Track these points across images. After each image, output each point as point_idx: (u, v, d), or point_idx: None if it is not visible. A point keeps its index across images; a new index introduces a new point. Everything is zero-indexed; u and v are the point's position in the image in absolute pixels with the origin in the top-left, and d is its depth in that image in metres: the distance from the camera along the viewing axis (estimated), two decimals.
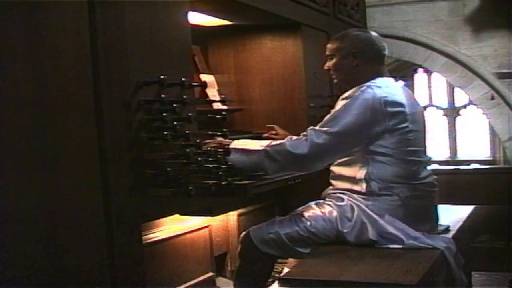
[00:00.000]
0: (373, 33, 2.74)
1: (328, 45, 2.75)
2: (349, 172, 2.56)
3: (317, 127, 2.48)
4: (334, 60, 2.70)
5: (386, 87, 2.53)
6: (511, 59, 7.11)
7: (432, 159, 2.83)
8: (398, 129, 2.48)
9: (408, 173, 2.51)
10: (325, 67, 2.77)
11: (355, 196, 2.52)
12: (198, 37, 3.02)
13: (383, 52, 2.69)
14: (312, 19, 3.41)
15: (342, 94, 2.60)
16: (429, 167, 2.70)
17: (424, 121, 2.70)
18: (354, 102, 2.47)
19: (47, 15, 1.61)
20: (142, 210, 1.90)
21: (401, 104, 2.50)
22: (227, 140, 2.42)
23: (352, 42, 2.67)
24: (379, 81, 2.56)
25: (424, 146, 2.66)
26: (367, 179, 2.49)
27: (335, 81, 2.76)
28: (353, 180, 2.54)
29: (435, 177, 2.66)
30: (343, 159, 2.58)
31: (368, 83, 2.53)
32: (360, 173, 2.51)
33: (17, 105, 1.51)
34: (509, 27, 7.02)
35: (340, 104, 2.53)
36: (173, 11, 2.14)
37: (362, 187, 2.50)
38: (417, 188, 2.53)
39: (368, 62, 2.64)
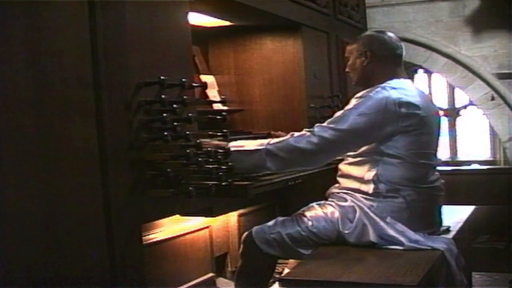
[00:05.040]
0: (389, 34, 2.71)
1: (347, 47, 2.78)
2: (357, 172, 2.55)
3: (324, 124, 2.47)
4: (350, 61, 2.73)
5: (402, 89, 2.51)
6: (511, 60, 7.11)
7: (441, 161, 2.83)
8: (411, 130, 2.46)
9: (417, 176, 2.50)
10: (346, 70, 2.79)
11: (359, 196, 2.51)
12: (198, 37, 3.02)
13: (397, 52, 2.66)
14: (312, 20, 3.41)
15: (356, 93, 2.59)
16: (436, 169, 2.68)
17: (439, 123, 2.69)
18: (367, 102, 2.46)
19: (47, 15, 1.60)
20: (142, 210, 1.90)
21: (416, 106, 2.48)
22: (224, 143, 2.37)
23: (363, 42, 2.68)
24: (395, 82, 2.54)
25: (436, 149, 2.65)
26: (375, 181, 2.48)
27: (353, 82, 2.77)
28: (361, 180, 2.53)
29: (443, 181, 2.66)
30: (353, 159, 2.57)
31: (383, 84, 2.51)
32: (368, 174, 2.50)
33: (17, 106, 1.50)
34: (509, 28, 7.02)
35: (352, 102, 2.52)
36: (173, 11, 2.14)
37: (370, 188, 2.49)
38: (425, 191, 2.52)
39: (381, 62, 2.63)
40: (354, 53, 2.70)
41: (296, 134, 2.46)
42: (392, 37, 2.69)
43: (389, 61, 2.64)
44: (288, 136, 2.46)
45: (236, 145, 2.40)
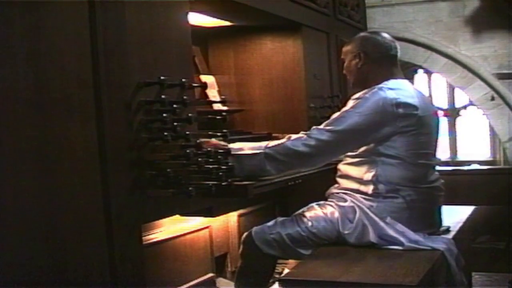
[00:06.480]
0: (383, 34, 2.72)
1: (342, 49, 2.79)
2: (356, 173, 2.55)
3: (321, 126, 2.47)
4: (345, 63, 2.73)
5: (399, 89, 2.51)
6: (511, 60, 7.11)
7: (440, 161, 2.83)
8: (409, 131, 2.46)
9: (416, 177, 2.50)
10: (343, 71, 2.80)
11: (359, 197, 2.51)
12: (198, 37, 3.02)
13: (392, 52, 2.66)
14: (312, 20, 3.41)
15: (353, 95, 2.59)
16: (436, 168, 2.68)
17: (437, 123, 2.69)
18: (364, 103, 2.46)
19: (47, 15, 1.60)
20: (142, 210, 1.90)
21: (413, 107, 2.48)
22: (223, 143, 2.35)
23: (357, 44, 2.69)
24: (392, 83, 2.54)
25: (435, 149, 2.65)
26: (374, 181, 2.48)
27: (350, 84, 2.78)
28: (360, 181, 2.53)
29: (443, 181, 2.66)
30: (352, 160, 2.57)
31: (380, 85, 2.51)
32: (368, 174, 2.50)
33: (17, 106, 1.50)
34: (509, 28, 7.02)
35: (349, 104, 2.52)
36: (173, 11, 2.14)
37: (369, 188, 2.49)
38: (424, 192, 2.52)
39: (376, 63, 2.63)
40: (348, 55, 2.71)
41: (294, 136, 2.46)
42: (386, 37, 2.69)
43: (384, 61, 2.64)
44: (285, 139, 2.46)
45: (234, 147, 2.39)
